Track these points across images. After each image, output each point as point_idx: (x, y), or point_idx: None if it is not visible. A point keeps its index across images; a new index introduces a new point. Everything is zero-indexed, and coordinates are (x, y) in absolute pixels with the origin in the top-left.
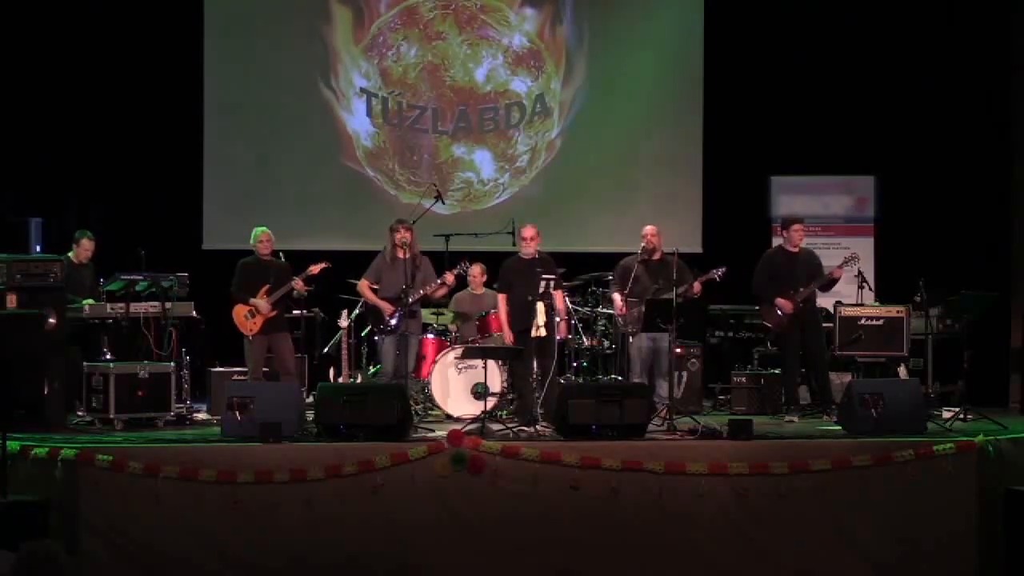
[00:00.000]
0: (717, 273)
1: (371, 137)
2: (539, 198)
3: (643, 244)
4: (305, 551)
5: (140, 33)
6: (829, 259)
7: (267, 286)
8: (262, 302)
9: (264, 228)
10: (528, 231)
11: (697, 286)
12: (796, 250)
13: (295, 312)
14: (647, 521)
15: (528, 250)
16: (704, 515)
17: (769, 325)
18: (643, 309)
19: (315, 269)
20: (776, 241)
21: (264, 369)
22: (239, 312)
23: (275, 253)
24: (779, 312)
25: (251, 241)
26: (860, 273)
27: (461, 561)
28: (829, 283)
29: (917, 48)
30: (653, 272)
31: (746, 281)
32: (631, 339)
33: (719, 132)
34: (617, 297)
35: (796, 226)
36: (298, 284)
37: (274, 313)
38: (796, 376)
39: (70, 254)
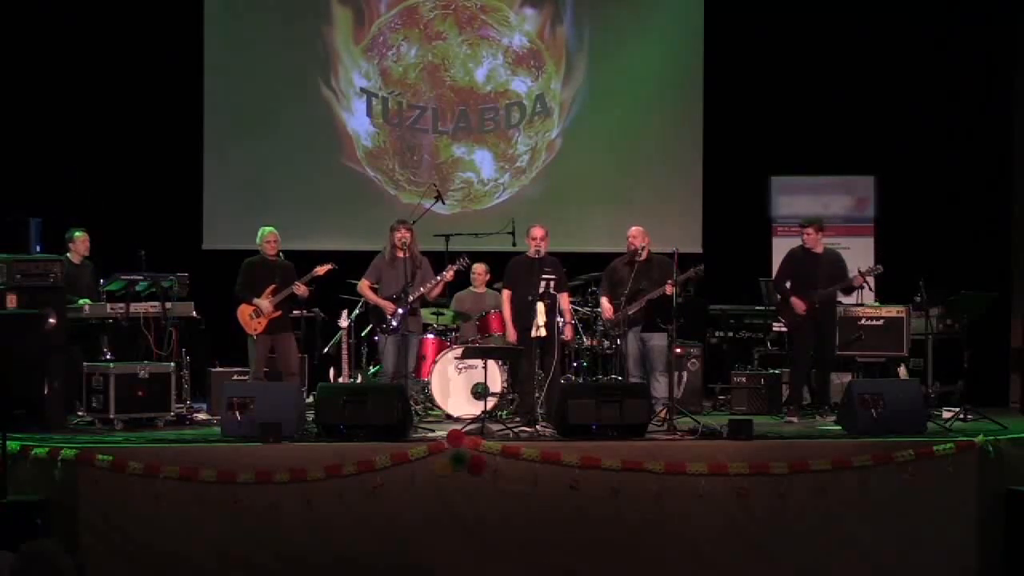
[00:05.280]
0: (694, 272)
1: (371, 137)
2: (539, 198)
3: (627, 245)
4: (305, 551)
5: (140, 33)
6: None
7: (272, 286)
8: (265, 302)
9: (271, 228)
10: (537, 231)
11: (668, 288)
12: (818, 250)
13: (294, 312)
14: (647, 521)
15: (534, 250)
16: (704, 515)
17: (784, 322)
18: (627, 311)
19: (321, 270)
20: (776, 241)
21: (264, 369)
22: (243, 312)
23: (277, 253)
24: (794, 311)
25: (257, 241)
26: (861, 273)
27: (461, 561)
28: (849, 289)
29: (917, 48)
30: (639, 273)
31: (746, 281)
32: (618, 340)
33: (719, 132)
34: (604, 301)
35: (807, 229)
36: (299, 289)
37: (278, 313)
38: (804, 375)
39: (68, 255)
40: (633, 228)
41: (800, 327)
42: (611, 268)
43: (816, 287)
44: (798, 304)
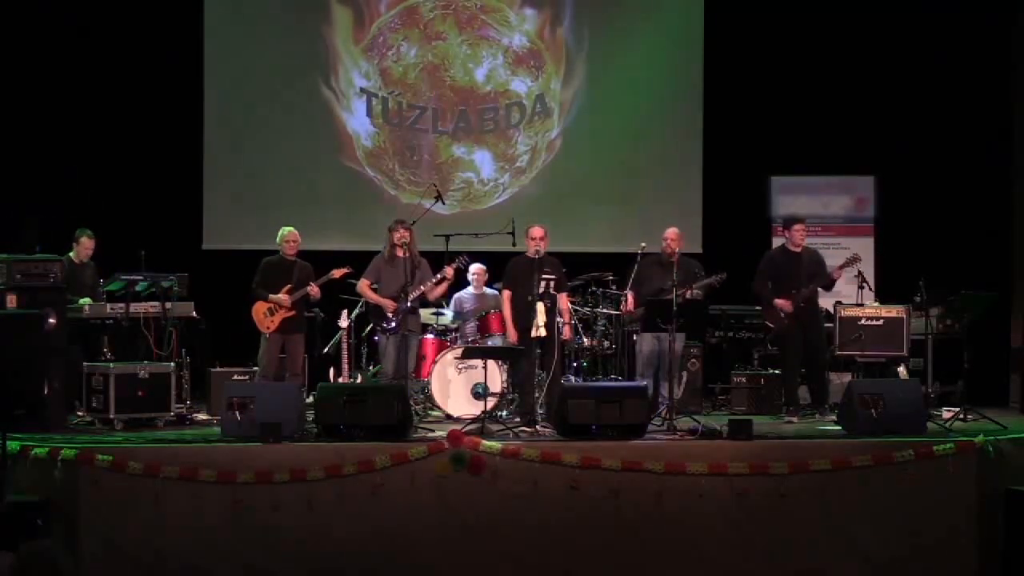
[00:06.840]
0: (716, 279)
1: (371, 137)
2: (539, 198)
3: (663, 246)
4: (305, 551)
5: (141, 33)
6: (829, 259)
7: (289, 285)
8: (283, 296)
9: (291, 228)
10: (536, 231)
11: (688, 291)
12: (798, 250)
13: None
14: (647, 521)
15: (534, 250)
16: (704, 515)
17: (770, 325)
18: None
19: (337, 273)
20: (776, 241)
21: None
22: (258, 309)
23: (296, 254)
24: (780, 313)
25: (277, 240)
26: (860, 273)
27: (461, 561)
28: (829, 283)
29: (917, 48)
30: (666, 273)
31: (747, 281)
32: (635, 337)
33: (719, 132)
34: (630, 296)
35: (797, 226)
36: (314, 290)
37: (292, 312)
38: (796, 376)
39: (71, 254)
40: (671, 229)
41: (786, 328)
42: (640, 265)
43: (798, 287)
44: (784, 304)
